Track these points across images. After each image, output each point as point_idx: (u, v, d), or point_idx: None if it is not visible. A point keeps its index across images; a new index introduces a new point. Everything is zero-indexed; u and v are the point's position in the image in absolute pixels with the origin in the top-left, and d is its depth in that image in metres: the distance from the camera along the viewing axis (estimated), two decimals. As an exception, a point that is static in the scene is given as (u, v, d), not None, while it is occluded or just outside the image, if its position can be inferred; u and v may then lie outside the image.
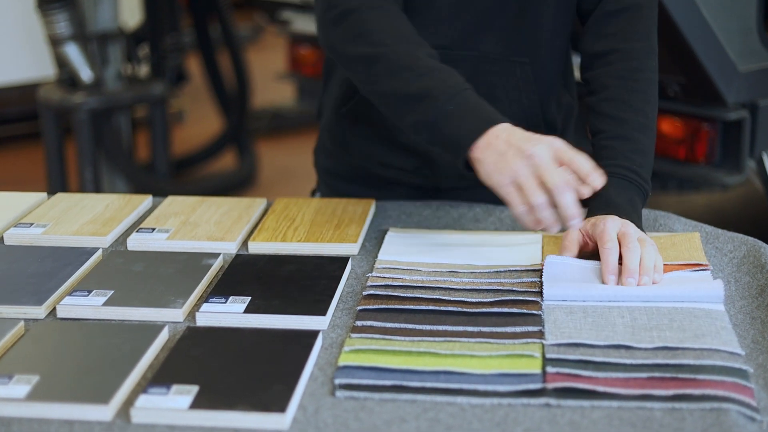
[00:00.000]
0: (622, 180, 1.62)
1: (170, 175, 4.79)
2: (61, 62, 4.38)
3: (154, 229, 1.74)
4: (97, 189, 4.39)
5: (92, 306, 1.46)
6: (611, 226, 1.53)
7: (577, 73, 1.88)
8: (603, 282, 1.49)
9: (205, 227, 1.75)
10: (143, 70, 4.95)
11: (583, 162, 1.47)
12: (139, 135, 5.12)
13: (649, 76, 1.74)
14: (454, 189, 1.91)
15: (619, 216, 1.56)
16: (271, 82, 6.11)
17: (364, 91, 1.68)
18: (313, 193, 2.09)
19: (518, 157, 1.46)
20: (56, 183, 4.47)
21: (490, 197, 1.63)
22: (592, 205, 1.60)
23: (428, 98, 1.55)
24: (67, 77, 4.38)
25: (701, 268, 1.55)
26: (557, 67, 1.86)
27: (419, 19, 1.71)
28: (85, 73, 4.35)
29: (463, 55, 1.76)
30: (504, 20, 1.76)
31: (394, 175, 1.92)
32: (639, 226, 1.58)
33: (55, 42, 4.32)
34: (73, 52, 4.33)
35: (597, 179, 1.48)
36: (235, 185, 5.14)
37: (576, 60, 1.87)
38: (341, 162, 1.98)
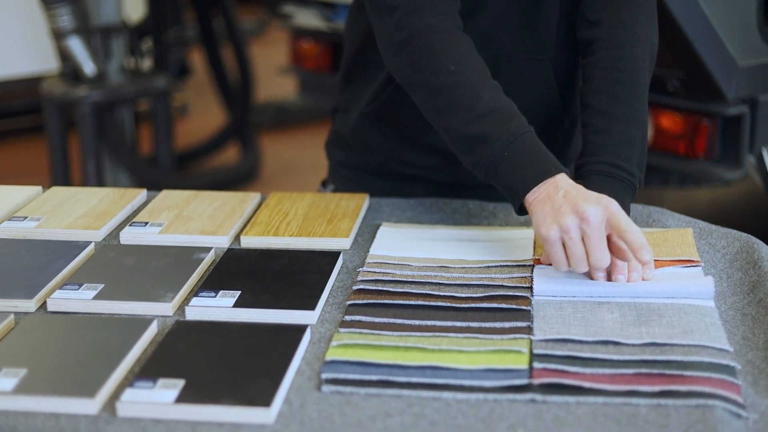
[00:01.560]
0: (603, 176, 1.59)
1: (173, 169, 4.80)
2: (65, 56, 4.39)
3: (147, 223, 1.74)
4: (100, 182, 4.40)
5: (82, 300, 1.46)
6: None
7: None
8: (591, 278, 1.49)
9: (198, 221, 1.75)
10: (146, 63, 4.96)
11: (635, 235, 1.44)
12: (142, 128, 5.13)
13: (635, 65, 1.68)
14: (479, 187, 1.89)
15: None
16: (275, 75, 6.11)
17: (428, 119, 1.66)
18: (324, 185, 2.08)
19: (572, 213, 1.44)
20: (59, 176, 4.48)
21: None
22: None
23: (486, 143, 1.54)
24: (71, 71, 4.38)
25: (692, 264, 1.55)
26: (574, 59, 1.84)
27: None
28: (89, 67, 4.36)
29: (482, 55, 1.74)
30: (518, 18, 1.75)
31: (417, 172, 1.92)
32: None
33: (59, 35, 4.32)
34: (76, 46, 4.34)
35: (646, 254, 1.44)
36: (238, 179, 5.14)
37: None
38: (362, 156, 1.97)
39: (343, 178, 2.02)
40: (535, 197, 1.50)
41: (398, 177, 1.95)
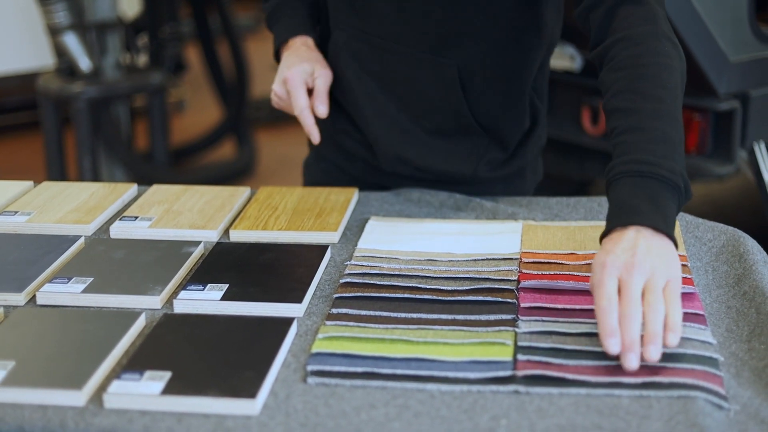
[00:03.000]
0: (636, 177, 1.37)
1: (169, 165, 4.81)
2: (60, 52, 4.40)
3: (137, 218, 1.75)
4: (96, 178, 4.41)
5: (71, 293, 1.47)
6: (608, 273, 1.28)
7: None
8: (604, 348, 1.26)
9: (187, 215, 1.76)
10: (142, 59, 4.97)
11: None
12: (138, 124, 5.14)
13: (659, 60, 1.49)
14: (395, 174, 1.91)
15: (639, 223, 1.32)
16: (271, 71, 6.10)
17: None
18: (304, 164, 2.12)
19: (279, 74, 1.84)
20: (55, 172, 4.49)
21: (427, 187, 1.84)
22: (609, 215, 1.38)
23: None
24: (66, 67, 4.39)
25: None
26: (495, 77, 1.81)
27: (358, 8, 1.80)
28: (84, 63, 4.37)
29: (396, 48, 1.80)
30: (430, 21, 1.76)
31: (355, 146, 1.94)
32: (666, 229, 1.33)
33: (54, 31, 4.33)
34: (72, 42, 4.35)
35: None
36: (234, 175, 5.15)
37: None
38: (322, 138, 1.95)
39: (311, 146, 2.07)
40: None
41: (340, 150, 1.98)
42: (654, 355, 1.23)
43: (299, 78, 1.81)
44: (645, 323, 1.25)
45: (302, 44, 1.88)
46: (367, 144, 1.92)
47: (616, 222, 1.35)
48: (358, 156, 1.95)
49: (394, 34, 1.79)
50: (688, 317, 1.36)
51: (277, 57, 1.92)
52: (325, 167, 2.01)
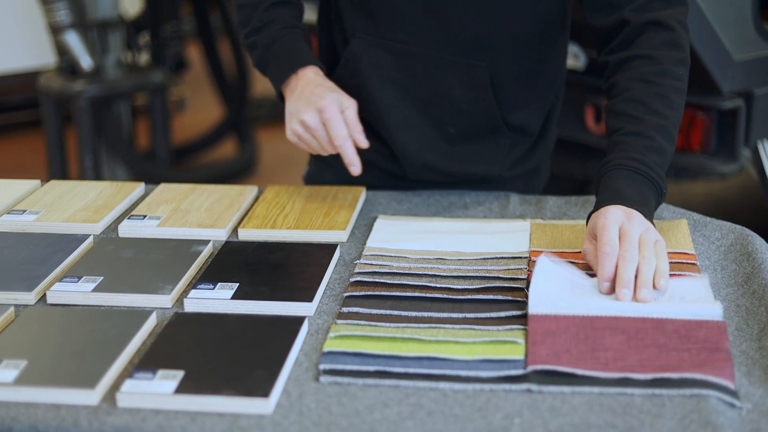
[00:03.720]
0: (631, 172, 1.54)
1: (170, 163, 4.80)
2: (62, 50, 4.39)
3: (145, 216, 1.75)
4: (97, 177, 4.41)
5: (82, 292, 1.47)
6: (612, 220, 1.46)
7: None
8: (599, 289, 1.42)
9: (195, 214, 1.76)
10: (143, 58, 4.96)
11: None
12: (139, 123, 5.13)
13: (675, 84, 1.64)
14: (421, 181, 1.91)
15: (628, 205, 1.49)
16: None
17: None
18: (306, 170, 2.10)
19: (309, 105, 1.68)
20: (56, 170, 4.49)
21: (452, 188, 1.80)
22: (599, 198, 1.54)
23: (255, 50, 1.81)
24: (68, 65, 4.39)
25: (688, 259, 1.56)
26: (524, 73, 1.83)
27: (380, 14, 1.77)
28: (86, 61, 4.36)
29: (423, 53, 1.78)
30: (462, 24, 1.75)
31: (370, 157, 1.91)
32: (649, 218, 1.51)
33: (56, 30, 4.33)
34: (73, 40, 4.34)
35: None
36: (236, 173, 5.15)
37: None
38: None
39: (314, 158, 2.04)
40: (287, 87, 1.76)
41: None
42: (646, 297, 1.38)
43: (336, 107, 1.69)
44: (639, 271, 1.41)
45: (316, 74, 1.76)
46: (385, 153, 1.90)
47: (606, 202, 1.51)
48: (376, 165, 1.92)
49: (421, 40, 1.77)
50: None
51: (280, 93, 1.80)
52: (332, 179, 1.95)
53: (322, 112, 1.68)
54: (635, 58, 1.66)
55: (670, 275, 1.45)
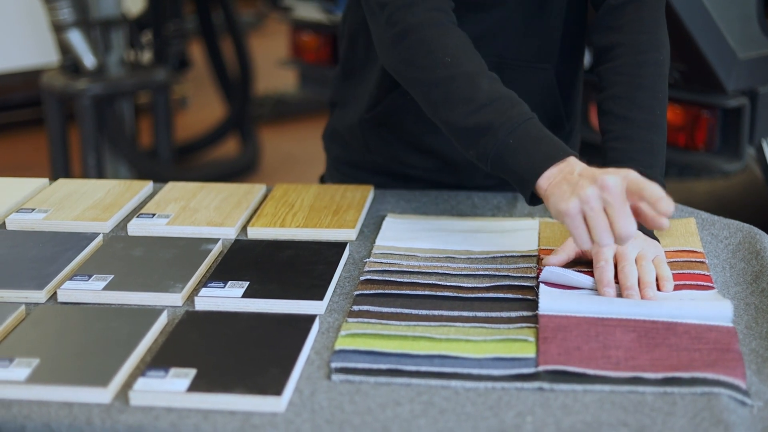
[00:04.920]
0: None
1: (173, 162, 4.81)
2: (65, 48, 4.40)
3: (154, 215, 1.75)
4: (100, 175, 4.41)
5: (92, 290, 1.47)
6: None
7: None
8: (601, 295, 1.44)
9: (204, 213, 1.76)
10: (146, 56, 4.97)
11: (653, 188, 1.34)
12: (142, 121, 5.14)
13: (657, 70, 1.66)
14: (478, 187, 1.89)
15: None
16: (274, 68, 6.12)
17: (429, 115, 1.60)
18: (322, 180, 2.09)
19: (591, 184, 1.35)
20: (59, 169, 4.49)
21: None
22: None
23: (488, 133, 1.49)
24: (71, 63, 4.39)
25: (696, 258, 1.56)
26: (577, 66, 1.85)
27: None
28: (88, 60, 4.37)
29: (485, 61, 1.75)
30: (522, 26, 1.74)
31: (416, 173, 1.92)
32: (647, 230, 1.53)
33: (59, 28, 4.33)
34: (76, 39, 4.35)
35: (664, 205, 1.33)
36: (238, 171, 5.15)
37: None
38: (360, 155, 1.95)
39: (340, 174, 2.01)
40: (550, 182, 1.42)
41: (397, 177, 1.94)
42: (651, 294, 1.42)
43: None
44: (640, 278, 1.45)
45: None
46: (435, 167, 1.89)
47: None
48: (421, 179, 1.91)
49: (485, 53, 1.66)
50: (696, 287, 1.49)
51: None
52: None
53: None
54: (617, 46, 1.67)
55: (679, 287, 1.47)
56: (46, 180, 1.95)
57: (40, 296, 1.47)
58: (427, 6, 1.58)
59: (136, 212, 1.80)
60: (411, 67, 1.58)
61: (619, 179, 1.34)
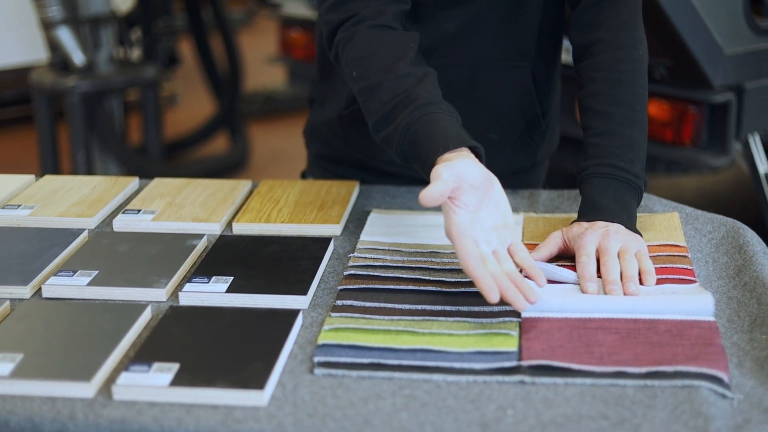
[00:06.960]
0: (606, 179, 1.58)
1: (162, 158, 4.81)
2: (54, 46, 4.39)
3: (139, 211, 1.76)
4: (90, 172, 4.41)
5: (77, 286, 1.48)
6: (589, 240, 1.50)
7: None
8: (583, 291, 1.44)
9: (190, 208, 1.76)
10: (135, 53, 4.96)
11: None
12: (131, 118, 5.13)
13: (636, 66, 1.67)
14: None
15: (607, 219, 1.53)
16: (264, 65, 6.12)
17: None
18: (303, 176, 2.10)
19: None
20: (49, 166, 4.49)
21: None
22: (580, 208, 1.59)
23: (391, 145, 1.52)
24: (60, 61, 4.39)
25: (679, 252, 1.57)
26: (554, 64, 1.86)
27: (413, 23, 1.72)
28: (78, 57, 4.36)
29: (460, 60, 1.76)
30: (498, 25, 1.75)
31: (396, 169, 1.92)
32: (630, 225, 1.55)
33: (48, 25, 4.33)
34: (65, 36, 4.34)
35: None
36: (228, 168, 5.16)
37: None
38: (340, 151, 1.97)
39: (321, 169, 2.02)
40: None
41: (378, 172, 1.95)
42: (633, 289, 1.42)
43: None
44: (622, 273, 1.46)
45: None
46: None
47: (585, 215, 1.56)
48: (400, 175, 1.91)
49: (461, 51, 1.73)
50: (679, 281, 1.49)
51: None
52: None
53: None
54: (596, 42, 1.68)
55: (661, 281, 1.47)
56: (32, 176, 1.95)
57: (24, 292, 1.48)
58: (352, 6, 1.60)
59: (122, 208, 1.80)
60: (347, 67, 1.61)
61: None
